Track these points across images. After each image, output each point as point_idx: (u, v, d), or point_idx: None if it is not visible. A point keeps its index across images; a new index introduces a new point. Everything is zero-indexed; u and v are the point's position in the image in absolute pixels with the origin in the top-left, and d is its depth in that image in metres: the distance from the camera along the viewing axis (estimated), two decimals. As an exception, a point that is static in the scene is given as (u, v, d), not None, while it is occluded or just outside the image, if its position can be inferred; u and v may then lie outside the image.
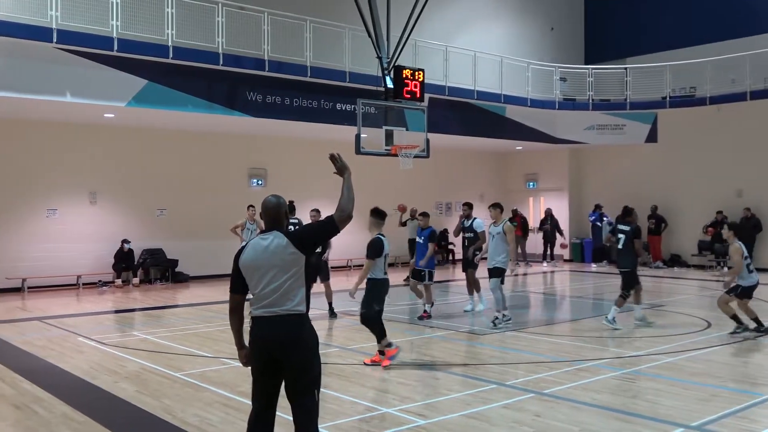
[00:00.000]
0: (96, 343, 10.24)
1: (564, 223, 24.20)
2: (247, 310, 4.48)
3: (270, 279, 4.38)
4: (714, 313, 12.57)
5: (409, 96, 15.33)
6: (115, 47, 14.08)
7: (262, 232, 4.66)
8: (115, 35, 14.07)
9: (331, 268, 13.88)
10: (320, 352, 4.51)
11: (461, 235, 13.14)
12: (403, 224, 18.18)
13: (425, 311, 12.11)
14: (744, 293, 10.33)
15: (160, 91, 14.95)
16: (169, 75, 15.00)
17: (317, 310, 12.04)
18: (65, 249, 17.15)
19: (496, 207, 11.56)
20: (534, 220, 25.28)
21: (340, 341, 10.37)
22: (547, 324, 12.10)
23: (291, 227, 8.59)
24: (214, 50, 15.42)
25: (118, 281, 17.50)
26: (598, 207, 22.85)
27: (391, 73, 15.41)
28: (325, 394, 6.66)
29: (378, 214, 8.73)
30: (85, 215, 17.56)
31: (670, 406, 6.78)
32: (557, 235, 23.51)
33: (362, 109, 14.94)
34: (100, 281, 17.53)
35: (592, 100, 22.52)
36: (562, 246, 23.48)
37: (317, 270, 11.78)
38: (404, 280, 18.21)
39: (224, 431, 6.11)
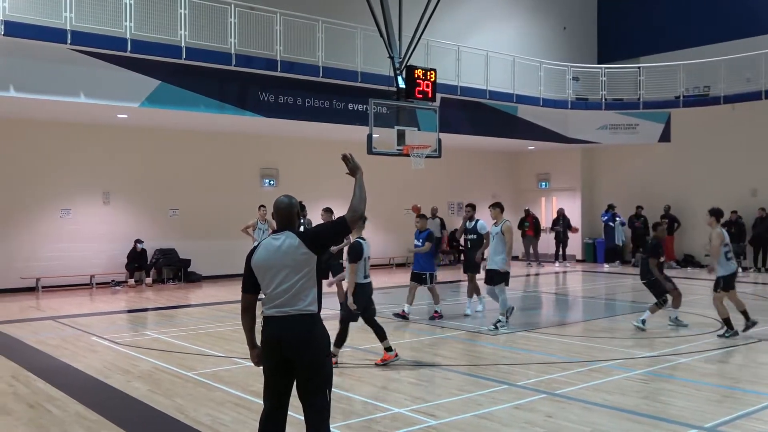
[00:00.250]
0: (109, 343, 10.31)
1: (576, 223, 24.09)
2: (259, 310, 4.50)
3: (282, 279, 4.39)
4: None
5: (421, 96, 15.31)
6: (129, 48, 14.16)
7: (273, 232, 4.68)
8: (128, 36, 14.15)
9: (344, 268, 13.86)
10: (336, 354, 4.52)
11: (464, 236, 13.05)
12: None
13: (436, 311, 12.10)
14: (726, 284, 10.22)
15: (173, 91, 15.02)
16: (181, 75, 15.07)
17: (329, 310, 12.04)
18: (79, 249, 17.26)
19: (496, 207, 11.47)
20: (546, 220, 25.21)
21: (352, 341, 10.35)
22: (559, 324, 12.06)
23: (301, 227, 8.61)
24: (227, 51, 15.48)
25: (131, 281, 17.59)
26: (611, 207, 22.74)
27: (403, 73, 15.40)
28: (337, 393, 6.67)
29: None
30: (98, 215, 17.67)
31: (683, 407, 6.74)
32: (569, 231, 23.45)
33: (374, 109, 14.93)
34: (113, 281, 17.64)
35: (605, 99, 22.42)
36: (573, 230, 23.32)
37: (329, 268, 11.86)
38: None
39: (236, 430, 6.13)
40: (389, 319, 11.68)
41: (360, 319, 8.68)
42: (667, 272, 11.73)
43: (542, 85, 21.77)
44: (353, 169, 4.61)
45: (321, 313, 4.52)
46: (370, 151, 14.53)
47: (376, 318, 8.78)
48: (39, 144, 16.78)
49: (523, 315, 12.73)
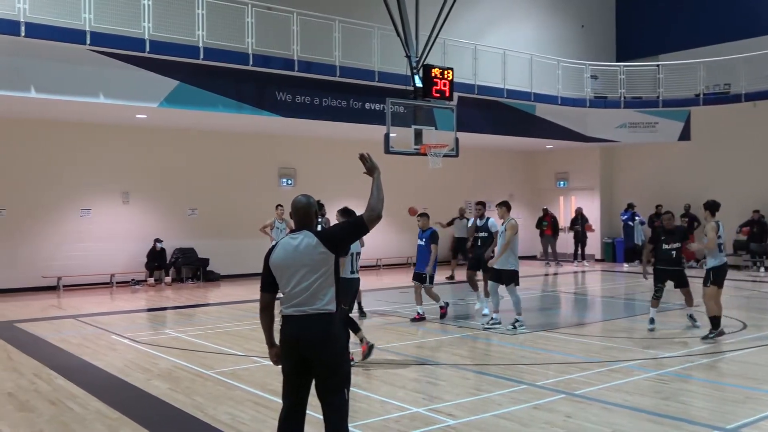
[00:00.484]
0: (129, 341, 10.39)
1: (595, 222, 23.95)
2: (277, 309, 4.51)
3: (300, 278, 4.41)
4: (750, 314, 12.38)
5: (438, 95, 15.28)
6: (147, 48, 14.25)
7: (291, 231, 4.69)
8: (146, 37, 14.24)
9: (361, 267, 13.88)
10: (350, 351, 4.53)
11: (474, 234, 13.06)
12: (450, 224, 18.17)
13: (441, 307, 12.04)
14: (716, 277, 9.95)
15: (192, 91, 15.10)
16: (199, 76, 15.15)
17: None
18: (99, 248, 17.41)
19: (503, 205, 11.42)
20: (564, 219, 25.06)
21: (370, 340, 10.36)
22: (578, 324, 11.99)
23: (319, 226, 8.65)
24: (244, 51, 15.53)
25: (151, 280, 17.71)
26: (630, 206, 22.57)
27: (420, 72, 15.38)
28: (355, 393, 6.67)
29: (347, 213, 8.84)
30: (118, 215, 17.81)
31: (703, 407, 6.68)
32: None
33: (391, 108, 14.92)
34: (133, 280, 17.77)
35: (624, 97, 22.23)
36: (587, 228, 23.19)
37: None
38: (447, 278, 18.21)
39: (255, 429, 6.15)
40: (404, 321, 11.66)
41: (366, 318, 8.72)
42: (688, 272, 11.59)
43: (560, 84, 21.63)
44: (371, 169, 4.61)
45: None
46: (387, 150, 14.53)
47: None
48: (58, 144, 16.94)
49: (542, 315, 12.68)
